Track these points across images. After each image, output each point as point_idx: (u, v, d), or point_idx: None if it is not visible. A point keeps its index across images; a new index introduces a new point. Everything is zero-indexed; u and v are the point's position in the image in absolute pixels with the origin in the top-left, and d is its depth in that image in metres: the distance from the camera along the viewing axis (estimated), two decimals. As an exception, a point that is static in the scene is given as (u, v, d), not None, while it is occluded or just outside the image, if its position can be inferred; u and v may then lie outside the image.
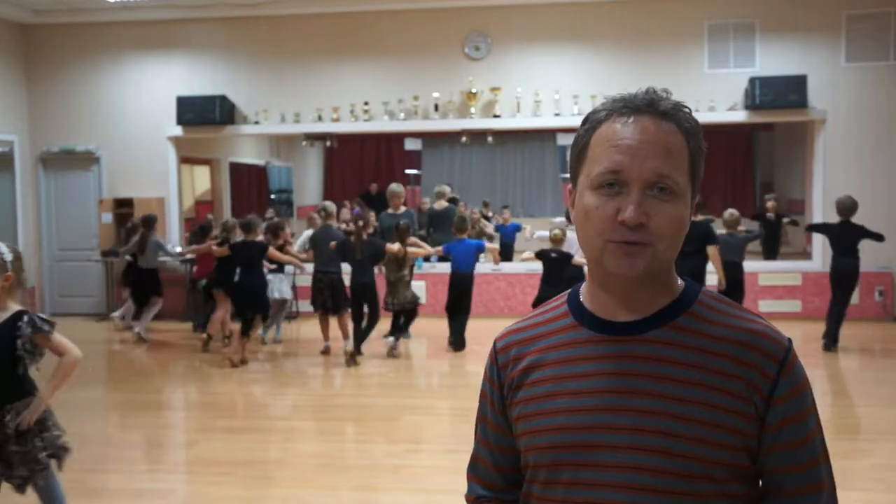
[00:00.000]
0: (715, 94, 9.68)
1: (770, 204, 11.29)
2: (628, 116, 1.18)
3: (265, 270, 8.20)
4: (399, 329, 8.15)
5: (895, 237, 8.65)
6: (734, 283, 7.83)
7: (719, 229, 8.17)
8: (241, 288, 7.93)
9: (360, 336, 7.89)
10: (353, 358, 7.71)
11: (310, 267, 8.41)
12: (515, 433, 1.29)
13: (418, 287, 9.36)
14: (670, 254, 1.18)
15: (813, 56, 9.68)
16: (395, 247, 7.83)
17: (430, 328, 9.02)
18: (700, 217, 8.58)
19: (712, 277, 7.87)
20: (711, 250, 7.63)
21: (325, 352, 8.16)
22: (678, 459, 1.14)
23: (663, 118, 1.17)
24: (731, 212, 8.33)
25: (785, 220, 11.42)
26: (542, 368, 1.26)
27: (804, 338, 8.19)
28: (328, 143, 10.97)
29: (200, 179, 13.25)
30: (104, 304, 10.96)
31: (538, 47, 10.15)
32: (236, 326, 8.17)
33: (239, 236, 8.16)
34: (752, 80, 9.52)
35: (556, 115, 10.03)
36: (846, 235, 7.92)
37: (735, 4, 9.81)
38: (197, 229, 9.63)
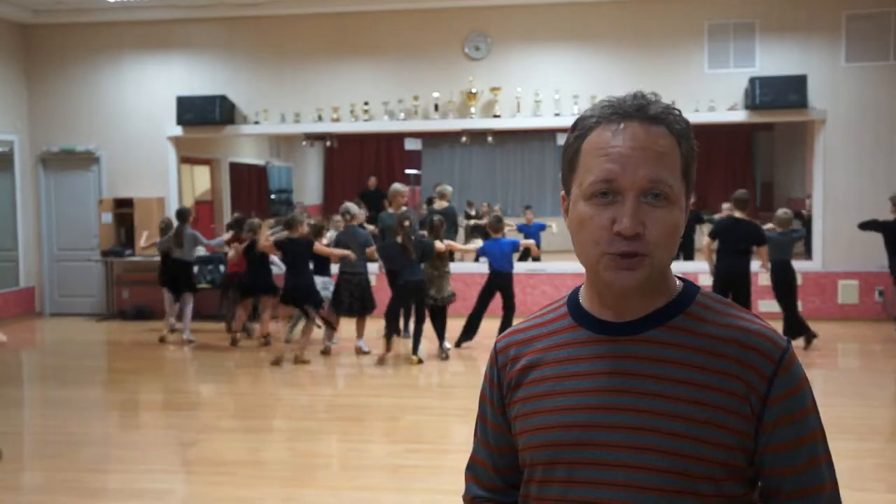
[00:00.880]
0: (715, 94, 9.66)
1: (808, 202, 11.23)
2: (618, 123, 1.17)
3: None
4: (440, 331, 8.11)
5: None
6: (784, 282, 7.86)
7: (724, 227, 8.10)
8: (294, 286, 7.92)
9: (417, 335, 7.91)
10: (419, 360, 7.79)
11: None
12: (514, 432, 1.30)
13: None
14: (667, 259, 1.18)
15: (813, 56, 9.67)
16: (442, 245, 7.94)
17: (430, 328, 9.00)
18: (721, 215, 8.47)
19: (707, 279, 7.84)
20: (761, 251, 7.68)
21: (326, 352, 8.17)
22: (676, 458, 1.15)
23: (653, 122, 1.17)
24: (784, 210, 8.32)
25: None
26: (540, 368, 1.26)
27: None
28: (328, 143, 10.95)
29: (200, 179, 13.24)
30: (104, 305, 10.95)
31: (538, 47, 10.14)
32: (255, 326, 8.16)
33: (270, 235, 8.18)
34: (752, 80, 9.51)
35: (556, 115, 10.01)
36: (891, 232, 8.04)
37: (735, 4, 9.81)
38: (233, 221, 9.40)
